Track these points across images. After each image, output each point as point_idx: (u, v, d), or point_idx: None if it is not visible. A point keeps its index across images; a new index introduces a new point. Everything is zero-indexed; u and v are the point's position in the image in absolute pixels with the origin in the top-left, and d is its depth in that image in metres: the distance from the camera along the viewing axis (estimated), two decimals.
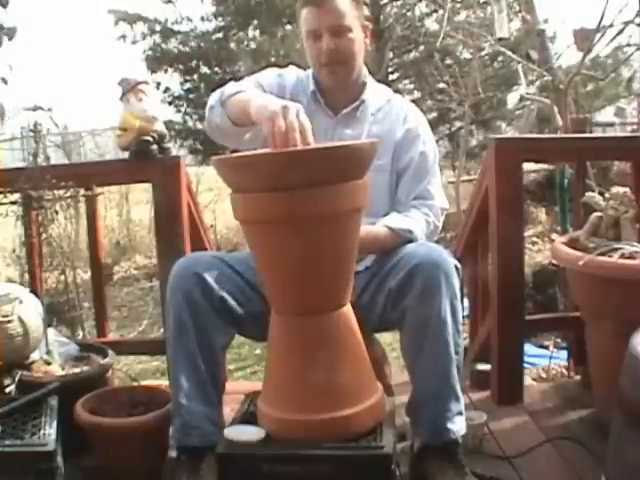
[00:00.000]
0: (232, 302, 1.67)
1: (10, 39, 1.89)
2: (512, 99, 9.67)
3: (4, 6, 1.87)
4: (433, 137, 1.93)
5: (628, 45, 5.15)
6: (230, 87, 1.70)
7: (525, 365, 2.57)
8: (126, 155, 2.28)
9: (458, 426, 1.64)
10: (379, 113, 1.85)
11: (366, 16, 1.81)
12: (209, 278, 1.64)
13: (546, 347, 3.75)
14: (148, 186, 2.41)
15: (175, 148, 8.88)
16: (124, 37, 10.37)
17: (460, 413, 1.65)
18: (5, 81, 1.84)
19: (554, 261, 2.28)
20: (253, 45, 10.05)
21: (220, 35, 10.78)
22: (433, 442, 1.63)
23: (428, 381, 1.62)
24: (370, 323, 1.71)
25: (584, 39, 4.00)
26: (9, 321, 1.91)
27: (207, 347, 1.64)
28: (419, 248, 1.65)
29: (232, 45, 10.38)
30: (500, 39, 5.17)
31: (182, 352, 1.63)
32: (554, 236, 4.69)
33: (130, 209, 8.24)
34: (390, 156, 1.81)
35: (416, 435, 1.70)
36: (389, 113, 1.86)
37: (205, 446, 1.60)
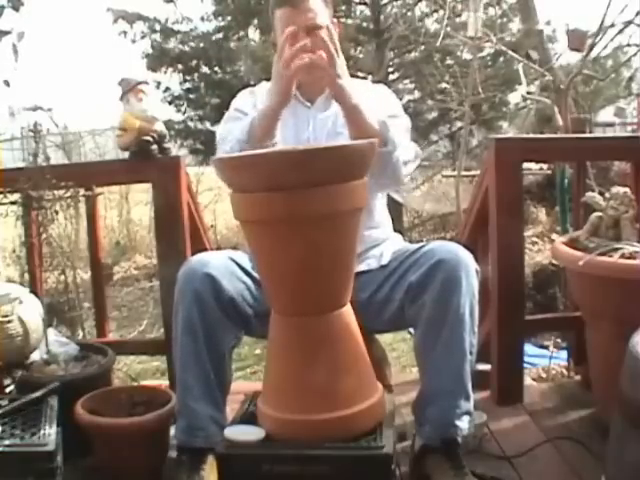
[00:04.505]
0: (241, 303, 1.68)
1: (18, 41, 1.88)
2: (513, 99, 9.67)
3: (17, 9, 1.85)
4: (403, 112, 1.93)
5: (628, 45, 5.14)
6: (231, 142, 1.72)
7: (525, 365, 2.56)
8: (126, 155, 2.28)
9: (464, 425, 1.65)
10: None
11: (334, 15, 1.87)
12: (219, 279, 1.64)
13: (546, 347, 3.74)
14: (148, 186, 2.41)
15: (175, 148, 8.86)
16: (124, 33, 10.35)
17: (468, 413, 1.66)
18: (7, 83, 1.84)
19: (554, 261, 2.28)
20: (253, 45, 10.03)
21: (220, 35, 10.78)
22: (437, 437, 1.64)
23: (441, 375, 1.63)
24: (381, 321, 1.73)
25: (577, 40, 4.00)
26: (9, 321, 1.91)
27: (214, 348, 1.64)
28: (442, 246, 1.67)
29: (232, 45, 10.37)
30: (472, 38, 5.23)
31: (190, 352, 1.63)
32: (554, 236, 4.69)
33: (130, 209, 8.23)
34: None
35: (419, 432, 1.71)
36: (362, 91, 1.86)
37: (208, 447, 1.61)
